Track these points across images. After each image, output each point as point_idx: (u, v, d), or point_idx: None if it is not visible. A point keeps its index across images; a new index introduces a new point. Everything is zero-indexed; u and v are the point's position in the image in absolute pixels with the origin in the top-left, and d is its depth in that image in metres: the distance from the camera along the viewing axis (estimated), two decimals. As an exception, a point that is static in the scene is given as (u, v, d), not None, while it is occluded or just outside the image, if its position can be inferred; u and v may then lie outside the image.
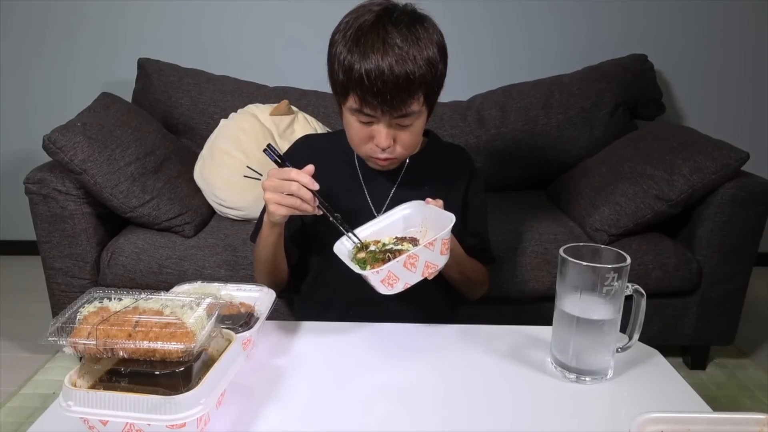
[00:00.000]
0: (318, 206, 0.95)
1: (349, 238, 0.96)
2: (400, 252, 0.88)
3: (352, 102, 0.97)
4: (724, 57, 2.46)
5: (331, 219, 0.96)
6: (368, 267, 0.88)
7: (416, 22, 0.96)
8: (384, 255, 0.89)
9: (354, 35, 0.95)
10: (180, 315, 0.69)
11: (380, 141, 0.99)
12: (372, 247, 0.94)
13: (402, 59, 0.92)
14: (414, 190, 1.09)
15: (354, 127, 1.01)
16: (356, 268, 0.87)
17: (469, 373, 0.86)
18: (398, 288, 0.86)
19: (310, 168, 0.95)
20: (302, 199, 0.93)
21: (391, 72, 0.92)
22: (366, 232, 0.98)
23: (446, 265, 1.08)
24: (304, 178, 0.93)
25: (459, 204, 1.16)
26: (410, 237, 0.96)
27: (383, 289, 0.86)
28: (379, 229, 0.99)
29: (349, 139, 1.06)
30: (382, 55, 0.92)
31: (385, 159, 1.04)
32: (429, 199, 0.97)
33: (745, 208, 1.65)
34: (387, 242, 0.95)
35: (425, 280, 0.88)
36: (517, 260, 1.68)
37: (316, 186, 0.93)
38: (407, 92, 0.94)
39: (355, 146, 1.06)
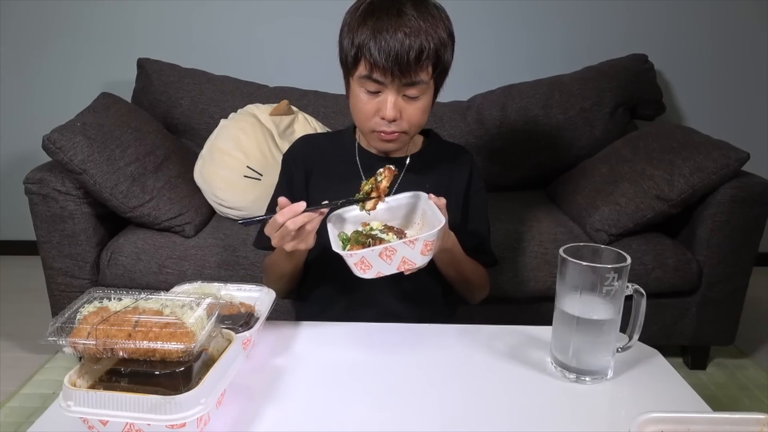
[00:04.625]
0: (320, 210, 0.94)
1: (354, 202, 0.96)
2: (382, 241, 0.89)
3: (362, 69, 0.98)
4: (724, 57, 2.46)
5: (339, 204, 0.96)
6: (348, 247, 0.90)
7: (428, 3, 1.00)
8: (366, 239, 0.91)
9: (366, 8, 0.98)
10: (180, 315, 0.69)
11: (386, 111, 0.99)
12: (359, 228, 0.96)
13: (415, 28, 0.95)
14: (415, 188, 1.09)
15: (361, 99, 1.02)
16: (336, 245, 0.89)
17: (469, 372, 0.86)
18: (370, 274, 0.88)
19: (283, 201, 0.92)
20: (307, 224, 0.91)
21: (405, 37, 0.94)
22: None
23: (443, 263, 1.08)
24: (287, 213, 0.90)
25: (460, 202, 1.16)
26: (398, 228, 0.97)
27: (357, 272, 0.88)
28: (385, 208, 1.00)
29: (356, 116, 1.06)
30: (396, 22, 0.95)
31: (391, 132, 1.03)
32: (432, 195, 0.97)
33: (745, 208, 1.65)
34: (375, 227, 0.96)
35: (402, 274, 0.89)
36: (517, 260, 1.68)
37: (302, 206, 0.90)
38: (417, 58, 0.95)
39: (361, 122, 1.06)
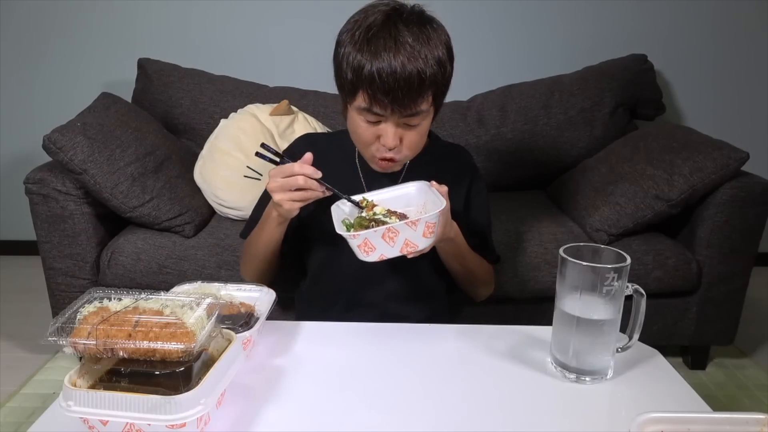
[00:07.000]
0: (327, 188, 0.96)
1: (356, 205, 0.98)
2: (385, 224, 0.90)
3: (360, 101, 0.97)
4: (724, 57, 2.46)
5: (343, 197, 0.97)
6: (352, 231, 0.90)
7: (426, 22, 0.98)
8: (369, 223, 0.91)
9: (364, 34, 0.95)
10: (180, 315, 0.69)
11: (387, 141, 0.99)
12: (363, 214, 0.97)
13: (414, 57, 0.93)
14: None
15: (361, 126, 1.01)
16: (341, 229, 0.89)
17: (469, 372, 0.86)
18: (373, 257, 0.89)
19: (309, 157, 0.97)
20: (308, 190, 0.95)
21: (404, 70, 0.92)
22: (368, 199, 1.00)
23: (447, 254, 1.08)
24: (307, 169, 0.94)
25: (461, 203, 1.16)
26: (401, 213, 0.97)
27: (361, 255, 0.89)
28: (383, 199, 1.00)
29: (355, 140, 1.06)
30: (394, 54, 0.92)
31: (390, 159, 1.03)
32: (434, 182, 0.97)
33: (745, 208, 1.65)
34: (378, 212, 0.97)
35: (405, 257, 0.90)
36: (517, 260, 1.68)
37: (319, 174, 0.95)
38: (418, 91, 0.94)
39: (361, 147, 1.06)
